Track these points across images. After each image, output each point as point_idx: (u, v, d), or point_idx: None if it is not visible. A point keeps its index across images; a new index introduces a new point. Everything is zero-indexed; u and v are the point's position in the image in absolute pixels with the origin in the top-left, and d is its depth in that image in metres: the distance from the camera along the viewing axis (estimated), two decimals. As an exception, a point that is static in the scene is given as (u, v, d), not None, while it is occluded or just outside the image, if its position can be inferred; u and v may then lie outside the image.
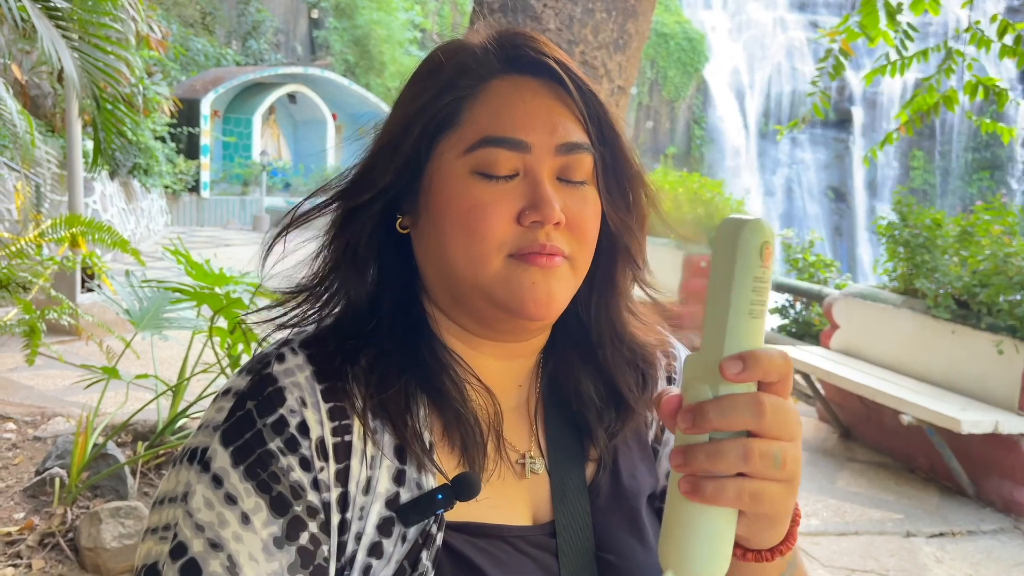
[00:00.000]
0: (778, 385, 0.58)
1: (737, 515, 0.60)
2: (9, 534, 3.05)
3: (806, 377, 5.84)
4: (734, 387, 0.57)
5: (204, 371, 3.48)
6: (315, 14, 22.87)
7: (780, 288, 7.41)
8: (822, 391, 5.79)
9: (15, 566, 2.89)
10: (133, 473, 3.42)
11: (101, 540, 2.92)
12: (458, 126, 0.75)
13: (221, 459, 0.69)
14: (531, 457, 0.80)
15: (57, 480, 3.25)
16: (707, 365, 0.58)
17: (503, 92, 0.76)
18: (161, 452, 3.56)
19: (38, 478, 3.38)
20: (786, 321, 7.67)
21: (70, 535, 3.03)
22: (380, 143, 0.78)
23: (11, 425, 4.31)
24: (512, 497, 0.78)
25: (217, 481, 0.69)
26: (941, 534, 4.06)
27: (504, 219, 0.73)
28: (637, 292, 0.85)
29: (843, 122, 24.39)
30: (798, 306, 7.62)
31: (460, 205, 0.73)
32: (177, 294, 3.44)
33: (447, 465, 0.75)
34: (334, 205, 0.79)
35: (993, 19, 3.80)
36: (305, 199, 0.81)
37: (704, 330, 0.59)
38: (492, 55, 0.77)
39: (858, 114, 24.43)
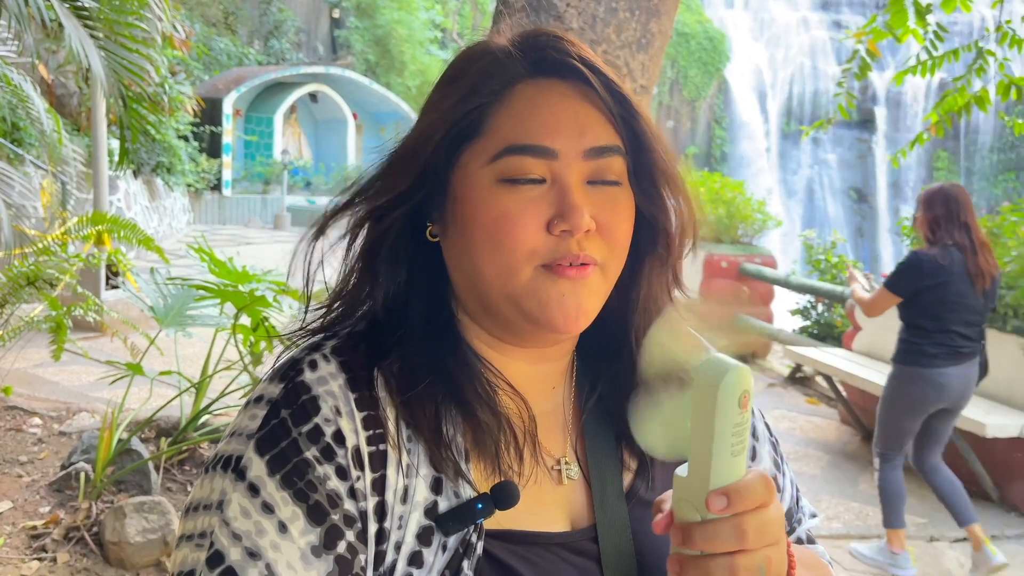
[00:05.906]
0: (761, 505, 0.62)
1: None
2: (35, 528, 3.09)
3: (828, 379, 5.79)
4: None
5: (227, 368, 3.51)
6: (336, 14, 22.97)
7: (802, 289, 7.35)
8: (844, 393, 5.74)
9: (40, 559, 2.92)
10: (157, 468, 3.45)
11: (125, 534, 2.96)
12: (482, 134, 0.73)
13: (257, 468, 0.69)
14: (567, 462, 0.79)
15: (82, 475, 3.28)
16: (694, 492, 0.62)
17: (528, 97, 0.74)
18: (184, 448, 3.59)
19: (63, 472, 3.42)
20: (808, 322, 7.60)
21: (95, 529, 3.07)
22: (401, 148, 0.77)
23: (37, 420, 4.37)
24: (549, 503, 0.77)
25: (253, 490, 0.68)
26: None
27: (532, 228, 0.71)
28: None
29: (866, 122, 24.14)
30: (820, 307, 7.54)
31: (487, 215, 0.72)
32: (201, 291, 3.47)
33: (482, 471, 0.74)
34: (355, 207, 0.78)
35: (1024, 19, 3.76)
36: (335, 200, 0.80)
37: (691, 455, 0.62)
38: (516, 59, 0.75)
39: (881, 114, 24.19)
